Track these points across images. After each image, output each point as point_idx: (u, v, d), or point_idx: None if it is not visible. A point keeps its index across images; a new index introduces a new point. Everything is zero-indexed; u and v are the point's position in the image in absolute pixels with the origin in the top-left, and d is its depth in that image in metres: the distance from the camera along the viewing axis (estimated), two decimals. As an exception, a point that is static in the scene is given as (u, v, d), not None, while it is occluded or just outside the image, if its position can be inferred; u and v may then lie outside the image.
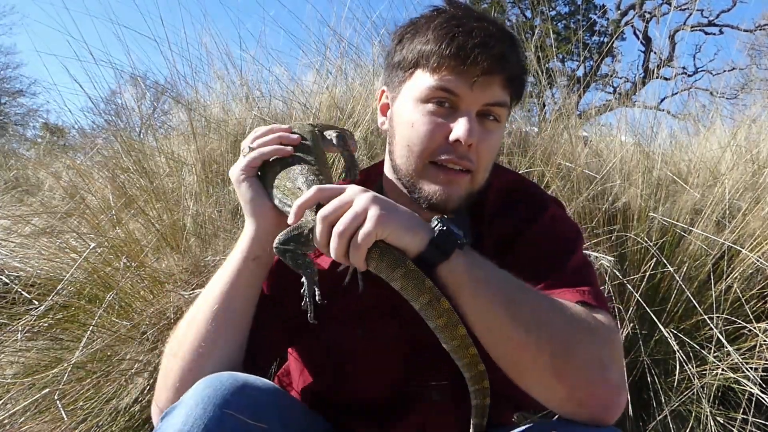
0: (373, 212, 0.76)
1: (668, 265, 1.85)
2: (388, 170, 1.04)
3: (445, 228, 0.80)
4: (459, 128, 0.90)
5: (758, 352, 1.74)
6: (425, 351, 0.91)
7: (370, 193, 0.79)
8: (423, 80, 0.92)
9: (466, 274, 0.80)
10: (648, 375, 1.81)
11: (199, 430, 0.74)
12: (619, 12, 14.26)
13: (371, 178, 1.08)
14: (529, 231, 0.97)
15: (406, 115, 0.95)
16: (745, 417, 1.67)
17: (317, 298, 0.82)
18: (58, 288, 1.67)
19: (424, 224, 0.81)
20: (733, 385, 1.73)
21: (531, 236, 0.97)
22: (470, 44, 0.88)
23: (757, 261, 1.87)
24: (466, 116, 0.90)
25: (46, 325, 1.69)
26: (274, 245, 0.81)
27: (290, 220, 0.82)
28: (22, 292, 1.74)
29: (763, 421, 1.71)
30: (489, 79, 0.90)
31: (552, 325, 0.78)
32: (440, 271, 0.80)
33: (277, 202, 0.90)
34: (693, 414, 1.70)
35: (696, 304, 1.80)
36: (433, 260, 0.79)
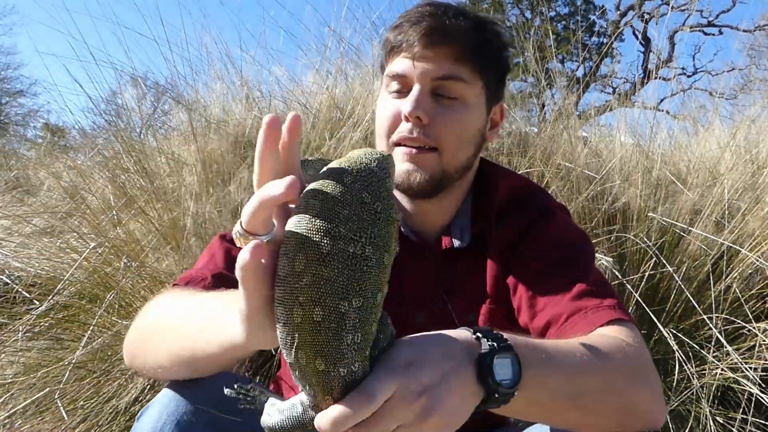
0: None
1: (667, 265, 1.85)
2: None
3: (498, 381, 0.61)
4: (404, 105, 0.93)
5: (758, 352, 1.74)
6: None
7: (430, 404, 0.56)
8: (385, 73, 0.98)
9: (525, 401, 0.66)
10: (647, 375, 1.80)
11: (172, 426, 0.75)
12: (618, 12, 14.28)
13: None
14: (544, 234, 0.97)
15: (377, 106, 1.01)
16: (744, 417, 1.67)
17: None
18: (58, 288, 1.67)
19: (471, 382, 0.60)
20: (733, 385, 1.73)
21: (547, 239, 0.96)
22: (407, 26, 0.93)
23: (757, 261, 1.88)
24: (413, 91, 0.93)
25: (46, 325, 1.69)
26: (267, 426, 0.59)
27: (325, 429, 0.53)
28: (23, 292, 1.74)
29: (763, 421, 1.71)
30: (433, 53, 0.91)
31: (613, 394, 0.74)
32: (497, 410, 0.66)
33: (296, 378, 0.55)
34: (692, 414, 1.71)
35: (695, 304, 1.81)
36: (488, 409, 0.65)
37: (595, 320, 0.84)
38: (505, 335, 0.65)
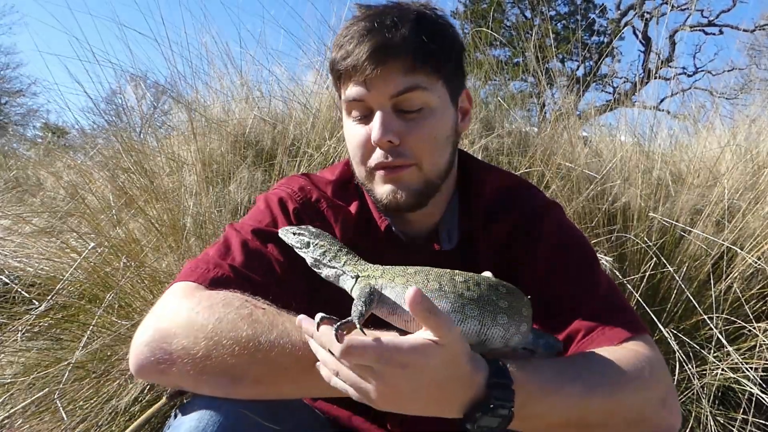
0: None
1: (668, 265, 1.85)
2: None
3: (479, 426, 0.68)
4: (372, 131, 0.90)
5: (758, 352, 1.74)
6: None
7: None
8: (342, 98, 0.95)
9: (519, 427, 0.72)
10: (648, 375, 1.80)
11: (215, 428, 0.73)
12: (618, 12, 14.27)
13: (351, 175, 1.06)
14: (543, 239, 0.96)
15: (345, 132, 0.99)
16: (745, 417, 1.67)
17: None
18: (58, 288, 1.67)
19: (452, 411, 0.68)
20: (733, 385, 1.73)
21: (548, 244, 0.95)
22: (350, 48, 0.89)
23: (757, 261, 1.87)
24: (376, 116, 0.90)
25: (46, 324, 1.69)
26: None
27: None
28: (22, 292, 1.74)
29: (763, 421, 1.71)
30: (383, 71, 0.87)
31: (620, 410, 0.78)
32: None
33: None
34: (693, 414, 1.70)
35: (696, 304, 1.80)
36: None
37: (613, 337, 0.85)
38: (515, 374, 0.69)
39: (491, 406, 0.66)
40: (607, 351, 0.80)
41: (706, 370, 1.74)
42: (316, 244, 0.83)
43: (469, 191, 1.03)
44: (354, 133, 0.94)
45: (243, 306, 0.79)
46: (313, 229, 0.86)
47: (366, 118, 0.93)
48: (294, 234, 0.85)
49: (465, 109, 1.02)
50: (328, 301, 0.78)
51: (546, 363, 0.76)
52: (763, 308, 1.93)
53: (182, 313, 0.80)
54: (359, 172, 0.97)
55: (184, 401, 0.80)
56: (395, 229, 1.01)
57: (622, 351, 0.81)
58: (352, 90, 0.91)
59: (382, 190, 0.93)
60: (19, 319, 1.65)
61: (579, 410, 0.74)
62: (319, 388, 0.74)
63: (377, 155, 0.92)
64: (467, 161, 1.07)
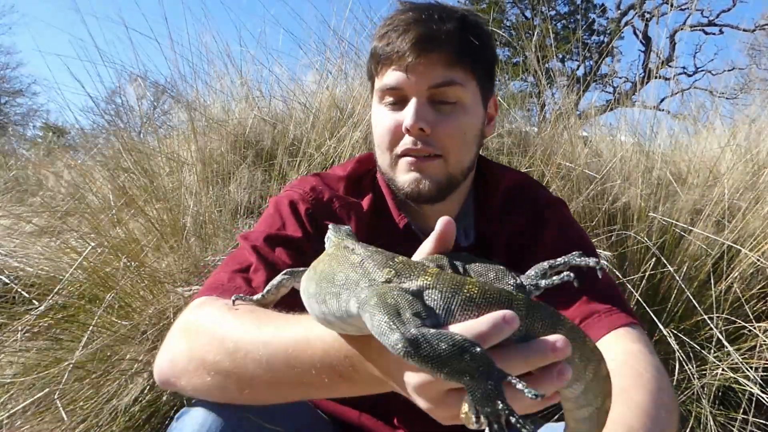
0: None
1: (668, 265, 1.85)
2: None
3: None
4: (405, 117, 0.92)
5: (758, 352, 1.74)
6: None
7: None
8: (376, 85, 0.97)
9: None
10: (648, 375, 1.80)
11: (217, 431, 0.74)
12: (618, 12, 14.27)
13: (364, 171, 1.07)
14: (547, 234, 0.98)
15: (373, 119, 1.00)
16: (745, 417, 1.67)
17: None
18: (58, 288, 1.67)
19: None
20: (733, 385, 1.73)
21: (551, 240, 0.97)
22: (395, 36, 0.91)
23: (757, 261, 1.87)
24: (411, 103, 0.92)
25: (46, 325, 1.69)
26: None
27: None
28: (22, 292, 1.74)
29: (763, 421, 1.71)
30: (425, 61, 0.90)
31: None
32: None
33: None
34: (693, 414, 1.70)
35: (696, 304, 1.80)
36: None
37: (609, 324, 0.86)
38: None
39: None
40: (640, 382, 0.77)
41: (706, 370, 1.74)
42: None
43: (484, 190, 1.05)
44: (384, 118, 0.95)
45: (230, 308, 0.79)
46: (345, 228, 0.71)
47: (398, 105, 0.94)
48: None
49: (491, 115, 1.04)
50: None
51: None
52: (764, 308, 1.93)
53: (184, 324, 0.81)
54: (383, 159, 0.98)
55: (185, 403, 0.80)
56: (414, 227, 1.01)
57: (651, 377, 0.79)
58: (391, 76, 0.93)
59: (405, 177, 0.95)
60: (19, 319, 1.65)
61: None
62: (316, 391, 0.71)
63: (406, 141, 0.93)
64: (480, 160, 1.09)
